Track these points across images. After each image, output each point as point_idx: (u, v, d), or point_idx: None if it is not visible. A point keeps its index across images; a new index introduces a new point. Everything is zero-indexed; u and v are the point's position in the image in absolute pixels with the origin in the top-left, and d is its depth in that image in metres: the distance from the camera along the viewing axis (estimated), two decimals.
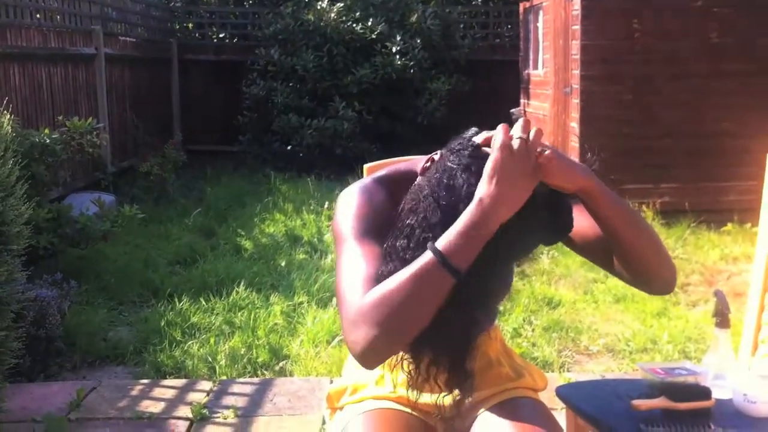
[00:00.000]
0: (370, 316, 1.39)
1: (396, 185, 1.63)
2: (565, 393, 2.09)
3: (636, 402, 1.86)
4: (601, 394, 2.06)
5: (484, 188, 1.37)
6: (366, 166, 2.14)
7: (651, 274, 1.58)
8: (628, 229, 1.52)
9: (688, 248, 6.04)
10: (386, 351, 1.43)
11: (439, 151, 1.56)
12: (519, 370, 1.79)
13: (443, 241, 1.37)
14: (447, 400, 1.64)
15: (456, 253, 1.36)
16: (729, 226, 6.47)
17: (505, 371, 1.76)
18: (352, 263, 1.49)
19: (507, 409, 1.65)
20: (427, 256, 1.37)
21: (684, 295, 5.07)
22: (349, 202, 1.61)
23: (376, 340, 1.39)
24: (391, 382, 1.72)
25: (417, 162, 1.69)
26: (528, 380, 1.76)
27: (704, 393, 1.87)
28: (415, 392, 1.62)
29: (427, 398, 1.68)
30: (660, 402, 1.85)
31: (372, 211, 1.58)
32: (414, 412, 1.68)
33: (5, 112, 3.67)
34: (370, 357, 1.42)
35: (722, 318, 1.99)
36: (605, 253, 1.60)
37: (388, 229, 1.52)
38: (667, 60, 6.91)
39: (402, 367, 1.56)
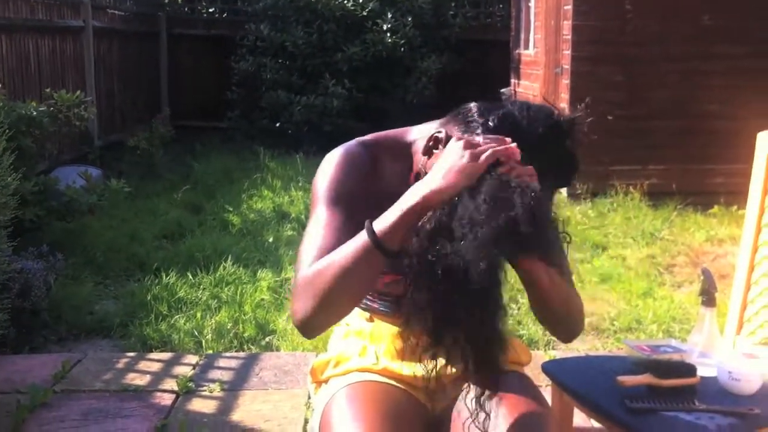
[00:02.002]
0: (309, 289, 1.44)
1: (381, 150, 1.65)
2: (551, 369, 2.09)
3: (621, 378, 1.87)
4: (587, 370, 2.07)
5: (434, 177, 1.39)
6: None
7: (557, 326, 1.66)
8: (550, 290, 1.53)
9: (674, 230, 6.06)
10: (322, 323, 1.48)
11: (441, 129, 1.54)
12: None
13: (380, 223, 1.40)
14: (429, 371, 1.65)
15: (390, 235, 1.39)
16: (715, 208, 6.50)
17: None
18: (313, 232, 1.53)
19: None
20: (362, 237, 1.40)
21: (669, 276, 5.09)
22: (328, 164, 1.62)
23: (312, 312, 1.44)
24: (374, 354, 1.72)
25: (407, 131, 1.69)
26: (512, 354, 1.77)
27: (689, 370, 1.88)
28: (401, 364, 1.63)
29: (410, 370, 1.68)
30: (645, 378, 1.86)
31: (350, 173, 1.59)
32: (399, 385, 1.69)
33: None
34: (307, 327, 1.48)
35: (708, 297, 2.00)
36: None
37: (366, 193, 1.56)
38: (659, 41, 6.90)
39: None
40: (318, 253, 1.48)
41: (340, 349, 1.78)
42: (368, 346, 1.74)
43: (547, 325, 1.69)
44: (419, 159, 1.58)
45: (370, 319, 1.76)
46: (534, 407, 1.56)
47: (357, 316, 1.79)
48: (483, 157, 1.37)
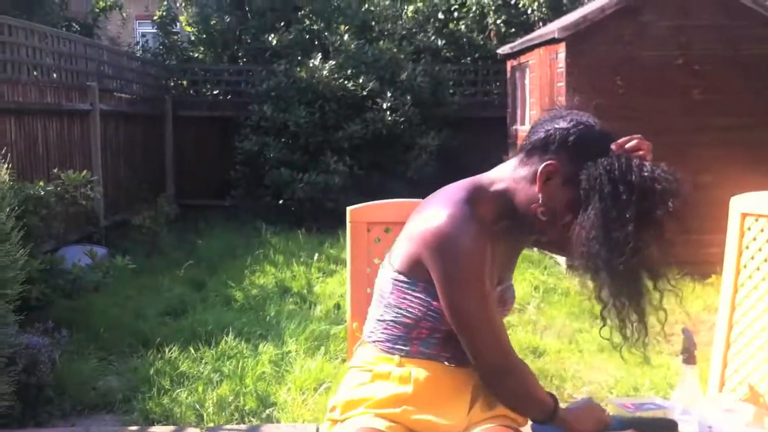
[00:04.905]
0: (504, 384, 1.84)
1: (476, 202, 1.80)
2: (539, 429, 2.15)
3: None
4: None
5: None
6: (349, 209, 2.26)
7: None
8: None
9: (672, 299, 6.09)
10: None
11: (549, 161, 1.78)
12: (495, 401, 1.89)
13: (562, 412, 1.88)
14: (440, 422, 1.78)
15: (556, 420, 1.87)
16: (712, 277, 6.55)
17: (486, 400, 1.88)
18: (485, 313, 1.77)
19: None
20: (548, 405, 1.87)
21: (667, 344, 5.12)
22: (456, 235, 1.74)
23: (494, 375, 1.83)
24: (398, 398, 1.82)
25: (479, 180, 1.87)
26: (507, 411, 1.87)
27: (671, 426, 1.94)
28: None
29: (435, 416, 1.81)
30: None
31: (476, 239, 1.75)
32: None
33: (2, 163, 3.77)
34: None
35: (689, 354, 2.08)
36: None
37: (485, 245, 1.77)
38: (650, 116, 7.05)
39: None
40: (502, 334, 1.83)
41: (364, 392, 1.86)
42: (395, 389, 1.83)
43: None
44: (524, 196, 1.82)
45: (400, 364, 1.84)
46: None
47: (382, 362, 1.87)
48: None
